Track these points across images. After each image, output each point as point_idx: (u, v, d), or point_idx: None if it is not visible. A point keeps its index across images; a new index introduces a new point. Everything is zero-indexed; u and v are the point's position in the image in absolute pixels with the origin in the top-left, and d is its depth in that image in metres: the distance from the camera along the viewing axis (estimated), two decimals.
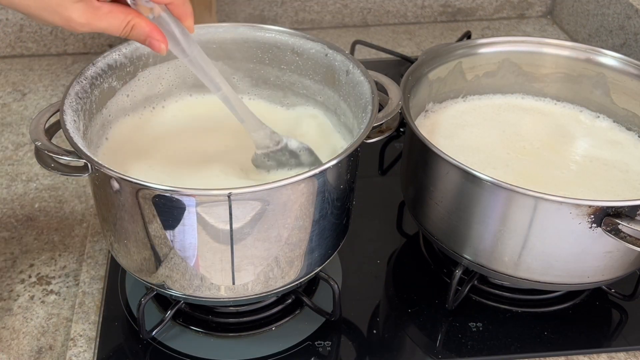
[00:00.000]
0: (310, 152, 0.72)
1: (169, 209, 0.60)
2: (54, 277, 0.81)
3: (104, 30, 0.58)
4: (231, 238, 0.61)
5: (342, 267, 0.81)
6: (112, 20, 0.58)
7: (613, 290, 0.79)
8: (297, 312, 0.76)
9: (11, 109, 1.09)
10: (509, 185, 0.64)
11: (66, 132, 0.63)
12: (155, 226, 0.61)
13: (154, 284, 0.68)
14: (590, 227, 0.65)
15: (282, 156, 0.71)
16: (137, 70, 0.76)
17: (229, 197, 0.58)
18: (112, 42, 1.24)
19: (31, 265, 0.82)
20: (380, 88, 0.72)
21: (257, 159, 0.71)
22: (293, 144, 0.71)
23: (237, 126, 0.79)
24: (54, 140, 0.65)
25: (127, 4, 0.59)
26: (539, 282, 0.71)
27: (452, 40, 1.25)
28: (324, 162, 0.61)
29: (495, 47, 0.87)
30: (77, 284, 0.79)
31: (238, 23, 0.79)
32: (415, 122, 0.74)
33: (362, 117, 0.68)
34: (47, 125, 0.66)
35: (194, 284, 0.65)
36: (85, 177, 0.63)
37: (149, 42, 0.60)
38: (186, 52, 0.63)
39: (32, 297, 0.78)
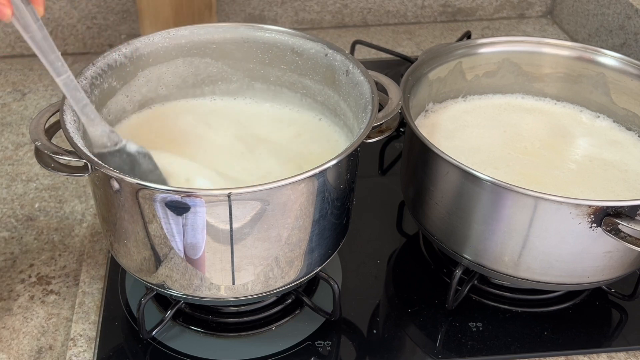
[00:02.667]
0: (149, 158, 0.68)
1: (169, 209, 0.60)
2: (54, 277, 0.81)
3: None
4: (231, 238, 0.61)
5: (342, 267, 0.81)
6: None
7: (613, 290, 0.79)
8: (297, 312, 0.76)
9: (11, 109, 1.10)
10: (508, 185, 0.64)
11: (66, 132, 0.63)
12: (155, 226, 0.61)
13: (154, 284, 0.68)
14: (590, 227, 0.65)
15: (119, 158, 0.67)
16: (137, 70, 0.76)
17: (229, 197, 0.58)
18: (112, 42, 1.25)
19: (31, 265, 0.82)
20: (380, 88, 0.72)
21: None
22: (132, 147, 0.67)
23: (238, 126, 0.80)
24: (54, 140, 0.65)
25: None
26: (539, 282, 0.71)
27: (452, 40, 1.25)
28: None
29: (495, 47, 0.87)
30: (77, 284, 0.79)
31: (238, 23, 0.79)
32: (415, 122, 0.74)
33: (362, 117, 0.68)
34: (47, 125, 0.66)
35: (194, 283, 0.65)
36: (85, 177, 0.63)
37: None
38: (28, 28, 0.59)
39: (32, 297, 0.78)
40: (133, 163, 0.67)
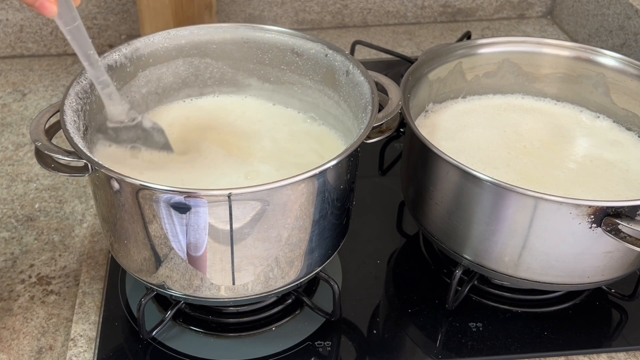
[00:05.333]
0: (162, 132, 0.73)
1: (169, 209, 0.60)
2: (54, 277, 0.81)
3: None
4: (231, 238, 0.61)
5: (342, 267, 0.81)
6: None
7: (613, 290, 0.79)
8: (297, 312, 0.76)
9: (11, 109, 1.10)
10: (508, 185, 0.64)
11: (66, 132, 0.63)
12: (155, 226, 0.61)
13: (154, 284, 0.68)
14: (590, 227, 0.65)
15: (133, 132, 0.72)
16: (137, 70, 0.76)
17: (229, 197, 0.58)
18: (112, 42, 1.25)
19: (31, 266, 0.82)
20: (380, 88, 0.72)
21: (107, 130, 0.72)
22: (147, 123, 0.73)
23: (238, 126, 0.80)
24: (54, 140, 0.65)
25: None
26: (539, 282, 0.71)
27: (452, 40, 1.25)
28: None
29: (495, 47, 0.87)
30: (77, 284, 0.79)
31: (238, 23, 0.79)
32: (415, 122, 0.74)
33: (362, 117, 0.68)
34: (47, 126, 0.66)
35: (194, 284, 0.65)
36: (85, 178, 0.63)
37: (40, 3, 0.59)
38: (67, 22, 0.62)
39: (32, 297, 0.78)
40: (147, 137, 0.73)
